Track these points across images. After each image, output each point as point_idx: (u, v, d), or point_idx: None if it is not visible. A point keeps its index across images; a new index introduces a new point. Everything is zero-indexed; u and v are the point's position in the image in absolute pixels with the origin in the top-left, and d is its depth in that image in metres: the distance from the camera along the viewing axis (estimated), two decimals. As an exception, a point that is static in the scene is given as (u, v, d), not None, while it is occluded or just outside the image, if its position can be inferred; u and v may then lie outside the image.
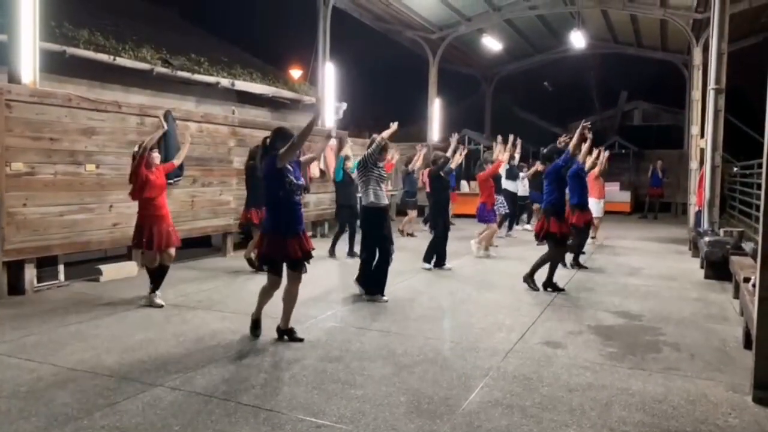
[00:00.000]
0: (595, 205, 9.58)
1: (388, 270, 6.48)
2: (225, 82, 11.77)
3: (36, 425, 3.30)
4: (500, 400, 3.72)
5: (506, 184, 12.08)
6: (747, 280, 5.11)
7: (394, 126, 6.66)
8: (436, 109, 18.13)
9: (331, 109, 13.69)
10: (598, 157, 10.39)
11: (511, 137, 10.36)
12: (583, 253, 9.27)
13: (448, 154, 8.86)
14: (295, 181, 4.72)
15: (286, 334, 4.90)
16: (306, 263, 4.92)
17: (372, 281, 6.45)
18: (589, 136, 8.54)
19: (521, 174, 12.68)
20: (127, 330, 5.18)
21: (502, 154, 10.03)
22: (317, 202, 11.80)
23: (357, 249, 9.22)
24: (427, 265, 8.47)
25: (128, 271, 7.64)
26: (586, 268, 8.61)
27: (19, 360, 4.36)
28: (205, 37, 15.14)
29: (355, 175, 9.85)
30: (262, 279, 5.18)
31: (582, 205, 8.59)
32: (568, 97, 25.56)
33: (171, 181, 7.48)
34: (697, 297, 6.84)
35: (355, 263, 8.40)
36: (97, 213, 7.33)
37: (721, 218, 10.30)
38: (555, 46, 20.36)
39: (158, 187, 6.17)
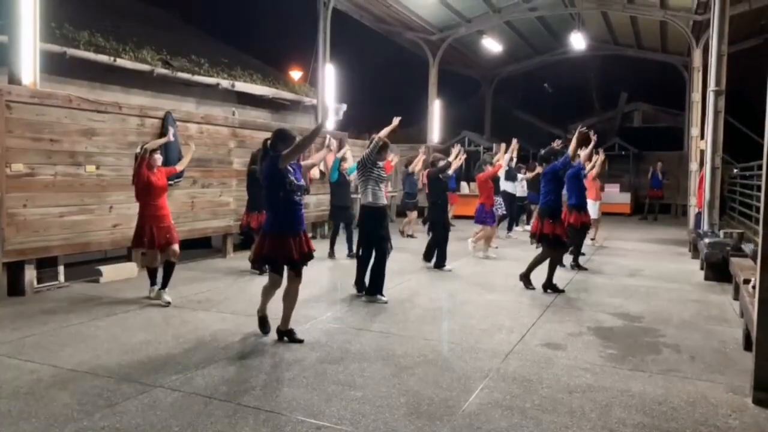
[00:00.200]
0: (591, 207, 9.59)
1: (385, 270, 6.47)
2: (225, 83, 11.78)
3: (36, 426, 3.30)
4: (500, 401, 3.72)
5: (505, 185, 12.10)
6: (747, 281, 5.11)
7: (395, 121, 6.58)
8: (436, 111, 18.14)
9: (331, 110, 13.70)
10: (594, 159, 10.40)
11: (514, 141, 10.37)
12: (583, 254, 9.27)
13: (450, 158, 8.91)
14: (295, 181, 4.73)
15: (286, 335, 4.90)
16: (306, 264, 4.93)
17: (370, 281, 6.46)
18: (594, 138, 8.60)
19: (519, 175, 12.69)
20: (127, 331, 5.18)
21: (503, 158, 10.07)
22: (317, 203, 11.81)
23: (355, 250, 9.29)
24: (427, 264, 8.49)
25: (128, 272, 7.64)
26: (585, 269, 8.62)
27: (19, 361, 4.36)
28: (206, 39, 15.16)
29: (353, 176, 9.89)
30: (262, 280, 5.19)
31: (579, 206, 8.60)
32: (568, 98, 25.58)
33: (171, 182, 7.50)
34: (697, 298, 6.84)
35: (354, 264, 8.44)
36: (97, 214, 7.34)
37: (721, 220, 10.30)
38: (555, 47, 20.38)
39: (159, 188, 6.24)
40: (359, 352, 4.66)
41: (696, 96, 13.11)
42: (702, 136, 11.08)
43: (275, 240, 4.72)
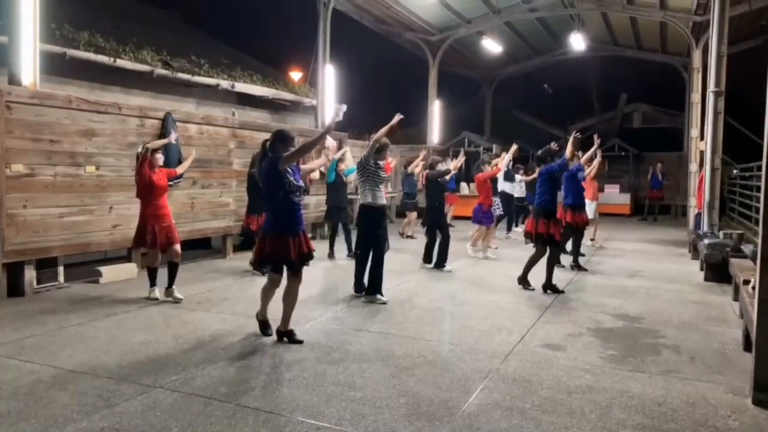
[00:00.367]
0: (588, 207, 9.63)
1: (383, 269, 6.48)
2: (225, 83, 11.78)
3: (35, 427, 3.30)
4: (500, 402, 3.72)
5: (503, 185, 12.11)
6: (747, 282, 5.11)
7: (396, 119, 6.48)
8: (436, 111, 18.14)
9: (330, 111, 13.69)
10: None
11: (513, 146, 10.42)
12: (583, 255, 9.27)
13: (450, 165, 8.99)
14: (294, 182, 4.76)
15: (286, 335, 4.91)
16: (306, 264, 4.94)
17: (369, 281, 6.46)
18: (597, 141, 8.65)
19: (517, 176, 12.69)
20: (127, 332, 5.17)
21: (502, 162, 10.15)
22: (317, 203, 11.80)
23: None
24: (427, 266, 8.51)
25: (128, 273, 7.64)
26: (585, 270, 8.62)
27: (18, 361, 4.35)
28: (206, 39, 15.16)
29: (352, 176, 9.91)
30: (261, 281, 5.19)
31: (574, 206, 8.63)
32: (567, 99, 25.57)
33: (171, 183, 7.50)
34: (697, 299, 6.84)
35: (352, 264, 8.44)
36: (97, 215, 7.34)
37: (720, 220, 10.30)
38: (555, 48, 20.38)
39: (161, 188, 6.30)
40: (359, 352, 4.66)
41: (696, 97, 13.12)
42: (702, 137, 11.09)
43: (275, 240, 4.74)
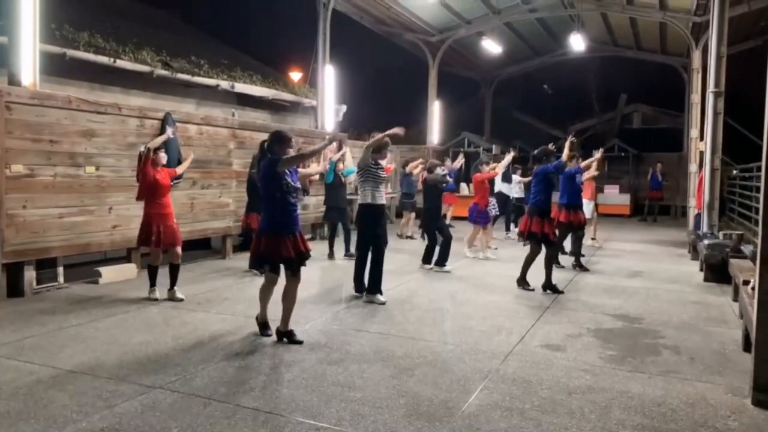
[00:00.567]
0: (585, 206, 9.65)
1: (382, 269, 6.48)
2: (225, 84, 11.78)
3: (35, 427, 3.30)
4: (499, 402, 3.72)
5: (500, 186, 12.12)
6: (746, 282, 5.12)
7: (396, 130, 6.47)
8: (435, 112, 18.15)
9: (330, 111, 13.70)
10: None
11: (511, 153, 10.52)
12: (583, 255, 9.27)
13: (453, 165, 9.04)
14: (291, 183, 4.82)
15: (286, 336, 4.92)
16: (303, 263, 4.95)
17: (369, 281, 6.46)
18: (599, 154, 8.70)
19: (515, 177, 12.70)
20: (127, 332, 5.17)
21: (499, 166, 10.21)
22: (317, 204, 11.79)
23: (353, 249, 9.30)
24: (426, 266, 8.51)
25: (128, 273, 7.64)
26: (587, 270, 8.61)
27: (18, 362, 4.35)
28: (205, 40, 15.16)
29: (351, 177, 9.93)
30: (261, 281, 5.19)
31: (569, 206, 8.64)
32: (567, 99, 25.55)
33: (172, 183, 7.52)
34: (697, 300, 6.84)
35: (351, 264, 8.43)
36: (97, 215, 7.34)
37: (720, 221, 10.31)
38: (554, 49, 20.39)
39: (165, 187, 6.34)
40: (358, 353, 4.66)
41: (695, 97, 13.13)
42: (701, 138, 11.09)
43: (271, 240, 4.78)
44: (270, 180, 4.77)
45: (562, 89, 25.73)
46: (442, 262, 8.42)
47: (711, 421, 3.51)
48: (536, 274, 7.16)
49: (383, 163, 6.60)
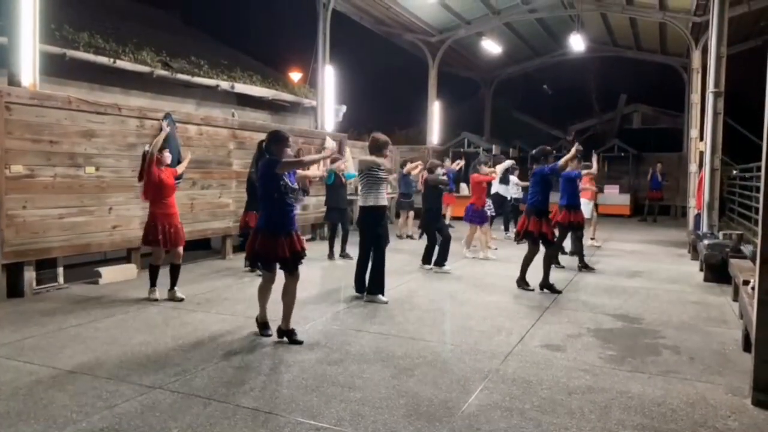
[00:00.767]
0: (584, 206, 9.67)
1: (384, 269, 6.48)
2: (225, 84, 11.78)
3: (35, 428, 3.30)
4: (499, 402, 3.72)
5: (497, 188, 12.13)
6: (746, 282, 5.12)
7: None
8: (435, 112, 18.15)
9: (330, 111, 13.71)
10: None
11: (510, 161, 10.61)
12: (582, 255, 9.26)
13: (451, 166, 9.06)
14: (289, 184, 4.86)
15: (287, 335, 4.93)
16: (299, 262, 4.97)
17: (370, 281, 6.47)
18: (596, 158, 8.73)
19: (512, 177, 12.71)
20: (126, 332, 5.17)
21: (497, 170, 10.25)
22: (317, 204, 11.79)
23: (348, 250, 9.32)
24: (426, 267, 8.52)
25: (127, 274, 7.64)
26: (593, 269, 8.60)
27: (18, 362, 4.35)
28: (205, 40, 15.17)
29: (353, 181, 9.94)
30: (260, 281, 5.19)
31: (569, 206, 8.69)
32: (567, 100, 25.56)
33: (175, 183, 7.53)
34: (697, 300, 6.84)
35: (350, 264, 8.43)
36: (97, 215, 7.33)
37: (720, 221, 10.30)
38: (554, 49, 20.39)
39: (170, 186, 6.37)
40: (358, 353, 4.66)
41: (695, 97, 13.13)
42: (701, 138, 11.09)
43: (267, 238, 4.81)
44: (268, 180, 4.81)
45: (562, 89, 25.75)
46: (441, 262, 8.42)
47: (711, 421, 3.51)
48: (535, 274, 7.16)
49: (381, 161, 6.58)
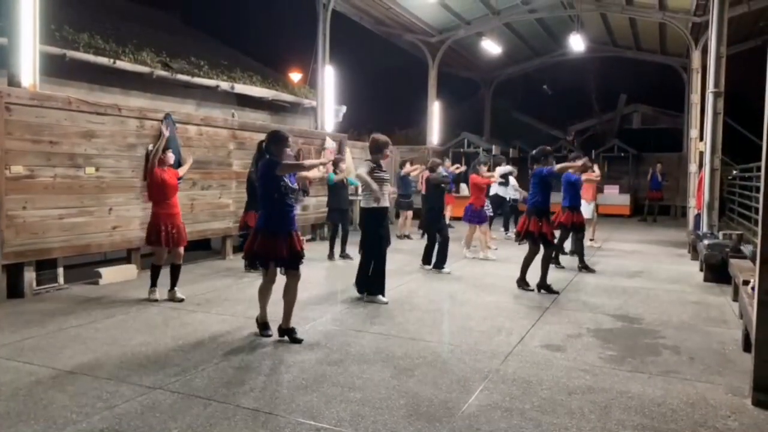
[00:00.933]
0: (585, 207, 9.69)
1: (384, 270, 6.48)
2: (224, 85, 11.78)
3: (35, 428, 3.30)
4: (499, 403, 3.72)
5: (497, 188, 12.15)
6: (746, 282, 5.12)
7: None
8: (435, 112, 18.15)
9: (330, 112, 13.71)
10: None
11: (509, 167, 10.65)
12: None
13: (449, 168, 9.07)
14: (289, 184, 4.89)
15: (287, 333, 4.95)
16: (299, 262, 4.98)
17: (371, 282, 6.47)
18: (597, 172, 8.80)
19: (512, 180, 12.72)
20: (126, 333, 5.17)
21: (496, 176, 10.28)
22: (317, 204, 11.80)
23: (348, 251, 9.32)
24: (426, 267, 8.52)
25: (127, 274, 7.64)
26: (593, 271, 8.59)
27: (18, 363, 4.35)
28: (205, 41, 15.17)
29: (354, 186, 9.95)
30: (260, 282, 5.19)
31: (572, 207, 8.75)
32: (567, 100, 25.57)
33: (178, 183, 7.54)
34: (697, 300, 6.84)
35: (350, 265, 8.44)
36: (97, 216, 7.33)
37: (720, 221, 10.30)
38: (554, 49, 20.39)
39: (173, 186, 6.38)
40: (359, 353, 4.66)
41: (695, 97, 13.13)
42: (701, 138, 11.09)
43: (266, 238, 4.83)
44: (269, 181, 4.83)
45: (562, 90, 25.76)
46: (440, 264, 8.42)
47: (711, 421, 3.51)
48: (534, 274, 7.16)
49: (383, 163, 6.58)
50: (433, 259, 8.50)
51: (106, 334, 5.12)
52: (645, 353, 4.78)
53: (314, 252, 8.20)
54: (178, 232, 6.34)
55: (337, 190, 9.58)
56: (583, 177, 9.17)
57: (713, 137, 9.33)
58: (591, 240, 11.29)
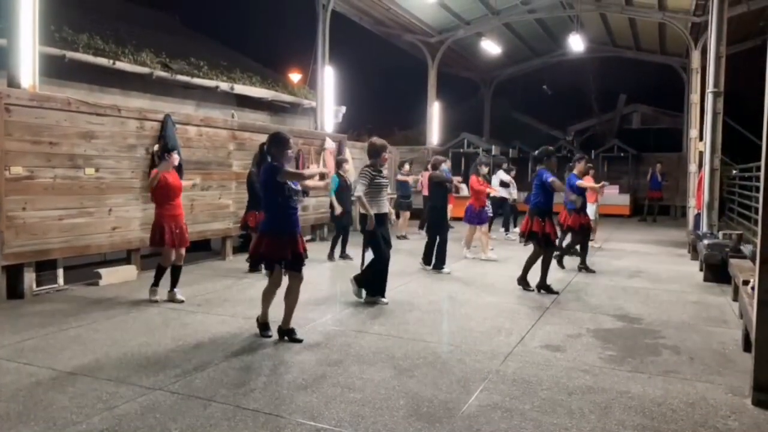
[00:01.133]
0: (588, 209, 9.67)
1: (386, 273, 6.48)
2: (224, 85, 11.79)
3: (34, 429, 3.30)
4: (499, 403, 3.72)
5: (498, 189, 12.15)
6: (746, 282, 5.12)
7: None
8: (435, 113, 18.15)
9: (330, 112, 13.71)
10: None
11: (509, 176, 10.69)
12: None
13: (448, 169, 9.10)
14: (292, 186, 4.90)
15: (287, 334, 4.96)
16: (303, 263, 4.99)
17: (372, 283, 6.46)
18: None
19: (510, 180, 12.73)
20: (126, 334, 5.17)
21: (492, 189, 10.32)
22: (317, 205, 11.81)
23: (348, 251, 9.31)
24: (426, 267, 8.51)
25: (127, 275, 7.63)
26: (593, 271, 8.58)
27: (18, 364, 4.35)
28: (205, 41, 15.18)
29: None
30: (261, 283, 5.20)
31: (578, 210, 8.70)
32: (567, 100, 25.57)
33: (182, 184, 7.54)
34: (697, 300, 6.84)
35: (350, 265, 8.44)
36: (97, 217, 7.33)
37: (720, 221, 10.31)
38: (554, 49, 20.42)
39: (176, 188, 6.37)
40: (359, 354, 4.66)
41: (694, 97, 13.14)
42: (701, 138, 11.10)
43: (272, 240, 4.83)
44: (272, 185, 4.84)
45: (562, 90, 25.74)
46: (440, 265, 8.42)
47: (711, 421, 3.51)
48: (534, 274, 7.16)
49: (382, 167, 6.57)
50: (433, 260, 8.50)
51: (106, 335, 5.12)
52: (645, 353, 4.78)
53: (314, 252, 8.17)
54: (180, 233, 6.35)
55: (340, 192, 9.57)
56: (584, 183, 9.10)
57: (713, 137, 9.33)
58: (591, 240, 11.28)
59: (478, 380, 4.10)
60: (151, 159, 7.81)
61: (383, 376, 4.15)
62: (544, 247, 7.12)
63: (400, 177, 12.38)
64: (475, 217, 9.54)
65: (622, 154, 20.20)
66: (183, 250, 6.47)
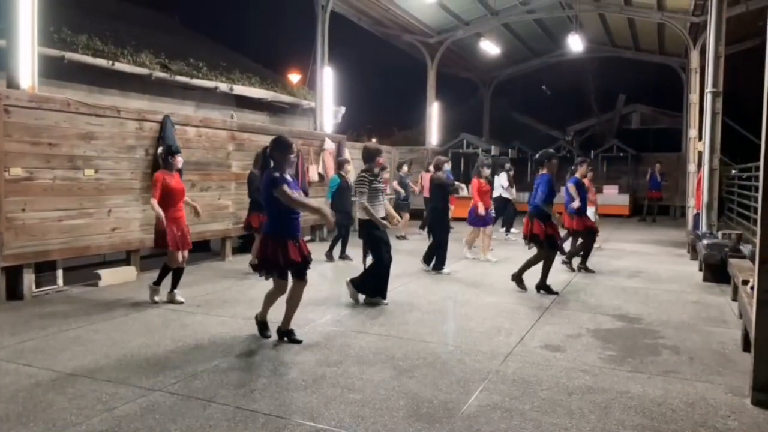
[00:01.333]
0: (588, 211, 9.68)
1: (387, 275, 6.48)
2: (223, 86, 11.79)
3: (34, 431, 3.30)
4: (499, 403, 3.72)
5: (500, 190, 12.15)
6: (745, 282, 5.12)
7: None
8: (434, 113, 18.16)
9: (329, 113, 13.72)
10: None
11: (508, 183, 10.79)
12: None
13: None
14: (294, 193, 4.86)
15: (286, 335, 4.96)
16: (308, 267, 4.98)
17: (372, 284, 6.46)
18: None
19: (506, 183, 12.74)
20: (126, 335, 5.17)
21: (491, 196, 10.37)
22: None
23: (348, 251, 9.31)
24: (425, 267, 8.51)
25: (127, 276, 7.63)
26: (593, 271, 8.58)
27: (17, 365, 4.35)
28: (204, 42, 15.19)
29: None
30: (260, 283, 5.20)
31: (580, 212, 8.70)
32: (566, 100, 25.60)
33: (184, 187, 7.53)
34: (696, 300, 6.84)
35: (350, 266, 8.44)
36: (96, 218, 7.33)
37: (719, 221, 10.31)
38: (553, 49, 20.43)
39: (179, 191, 6.35)
40: (358, 354, 4.66)
41: (693, 97, 13.16)
42: (700, 138, 11.10)
43: (276, 244, 4.80)
44: (272, 194, 4.78)
45: (561, 90, 25.78)
46: (439, 265, 8.42)
47: (711, 421, 3.51)
48: (533, 274, 7.15)
49: (378, 170, 6.58)
50: (432, 261, 8.49)
51: (105, 336, 5.12)
52: (645, 353, 4.78)
53: (314, 253, 8.15)
54: (182, 235, 6.33)
55: (341, 192, 9.57)
56: (573, 191, 9.02)
57: (712, 137, 9.34)
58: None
59: (478, 380, 4.10)
60: (154, 161, 7.80)
61: (383, 377, 4.15)
62: (550, 248, 7.10)
63: (399, 184, 12.41)
64: (479, 220, 9.52)
65: (621, 154, 20.22)
66: (186, 253, 6.47)
